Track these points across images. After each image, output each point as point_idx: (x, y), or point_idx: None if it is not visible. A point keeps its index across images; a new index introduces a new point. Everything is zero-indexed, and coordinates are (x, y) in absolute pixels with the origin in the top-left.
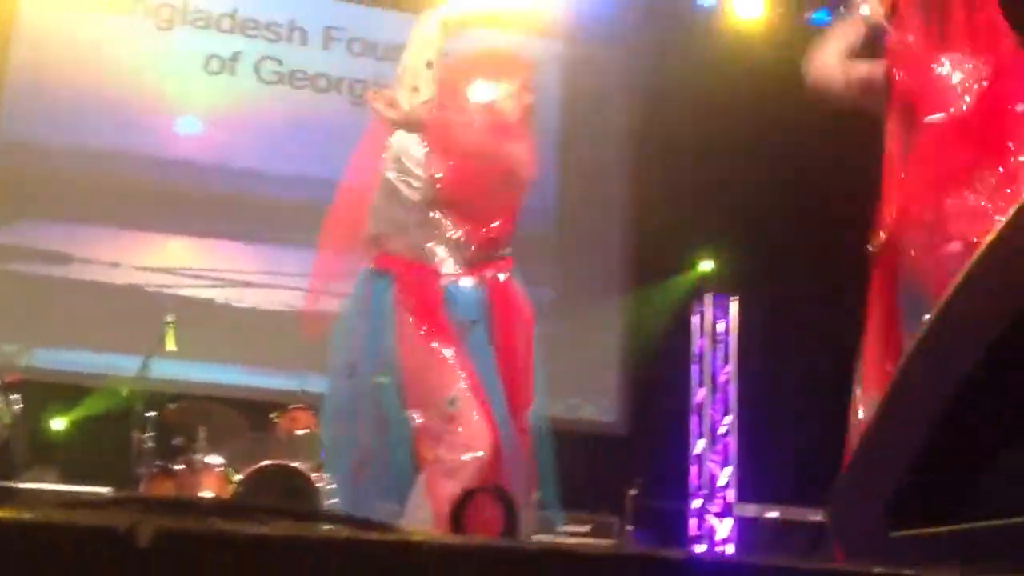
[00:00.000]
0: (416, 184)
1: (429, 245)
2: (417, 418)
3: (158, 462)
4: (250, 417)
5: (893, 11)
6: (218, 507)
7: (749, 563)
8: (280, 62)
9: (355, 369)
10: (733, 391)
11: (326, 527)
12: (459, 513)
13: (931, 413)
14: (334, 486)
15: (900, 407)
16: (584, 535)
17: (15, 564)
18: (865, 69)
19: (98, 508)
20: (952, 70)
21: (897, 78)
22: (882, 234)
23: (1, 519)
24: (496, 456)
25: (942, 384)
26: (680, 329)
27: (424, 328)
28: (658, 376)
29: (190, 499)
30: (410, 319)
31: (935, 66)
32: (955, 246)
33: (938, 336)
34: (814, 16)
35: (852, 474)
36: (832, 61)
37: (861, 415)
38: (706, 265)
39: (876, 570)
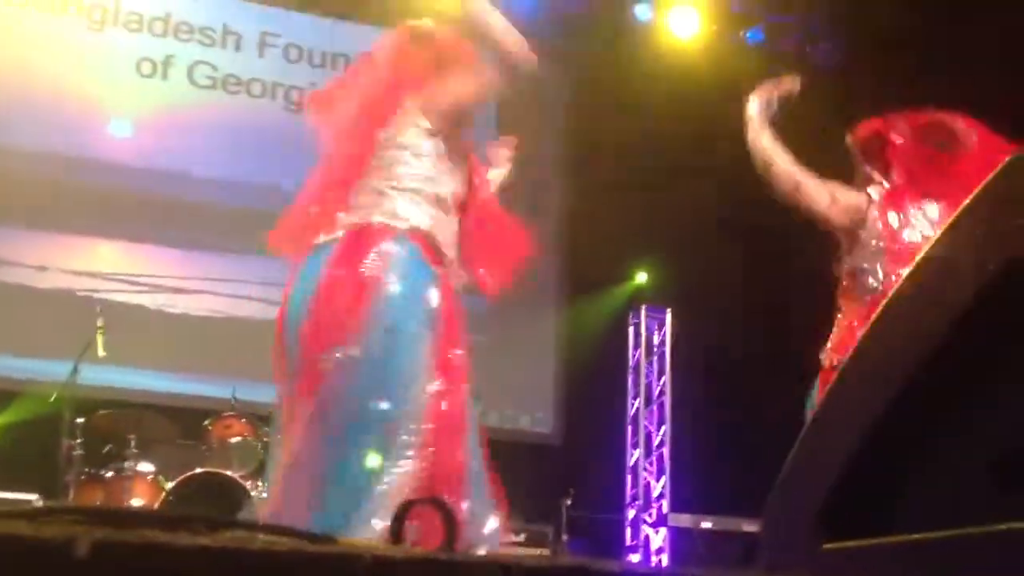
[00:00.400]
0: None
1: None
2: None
3: (87, 469)
4: (182, 424)
5: (884, 158)
6: (156, 518)
7: (682, 574)
8: (214, 67)
9: (395, 326)
10: (668, 402)
11: (265, 538)
12: (398, 525)
13: (862, 425)
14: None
15: (832, 420)
16: (519, 544)
17: None
18: (854, 199)
19: (32, 519)
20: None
21: (879, 224)
22: (825, 360)
23: None
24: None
25: (873, 397)
26: (615, 340)
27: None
28: (594, 387)
29: (126, 510)
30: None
31: (912, 217)
32: None
33: (870, 351)
34: (748, 35)
35: (783, 486)
36: (783, 164)
37: None
38: (641, 277)
39: None
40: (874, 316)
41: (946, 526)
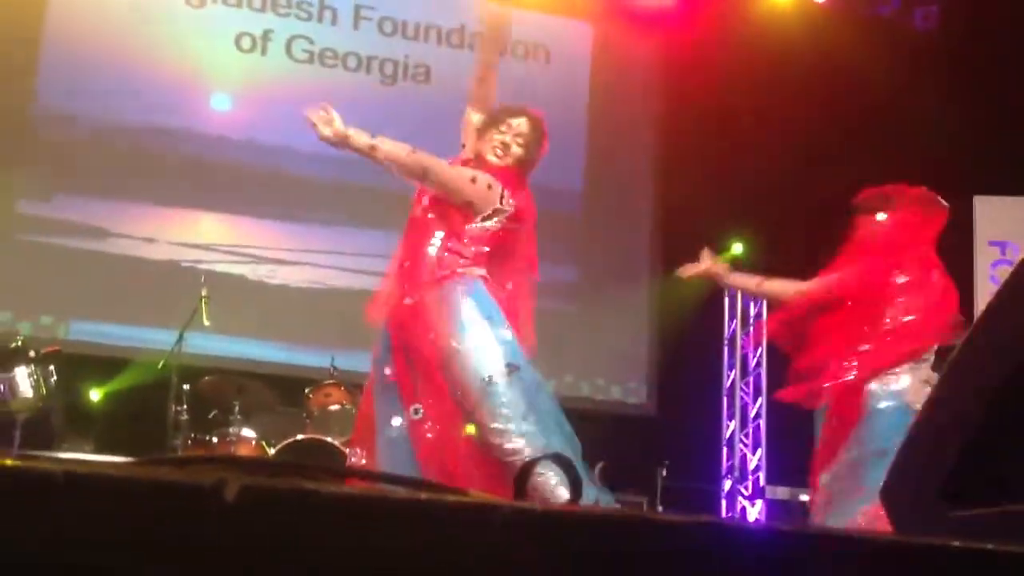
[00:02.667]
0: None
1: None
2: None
3: (193, 434)
4: (282, 392)
5: None
6: (301, 468)
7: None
8: (311, 41)
9: (514, 368)
10: (764, 374)
11: (405, 489)
12: (522, 481)
13: (989, 390)
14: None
15: (957, 384)
16: None
17: (101, 518)
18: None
19: (181, 466)
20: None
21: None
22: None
23: (88, 474)
24: None
25: (1000, 361)
26: (711, 312)
27: None
28: (689, 358)
29: (269, 459)
30: None
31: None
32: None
33: (999, 314)
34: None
35: (906, 453)
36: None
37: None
38: (737, 248)
39: (954, 543)
40: (1005, 280)
41: None
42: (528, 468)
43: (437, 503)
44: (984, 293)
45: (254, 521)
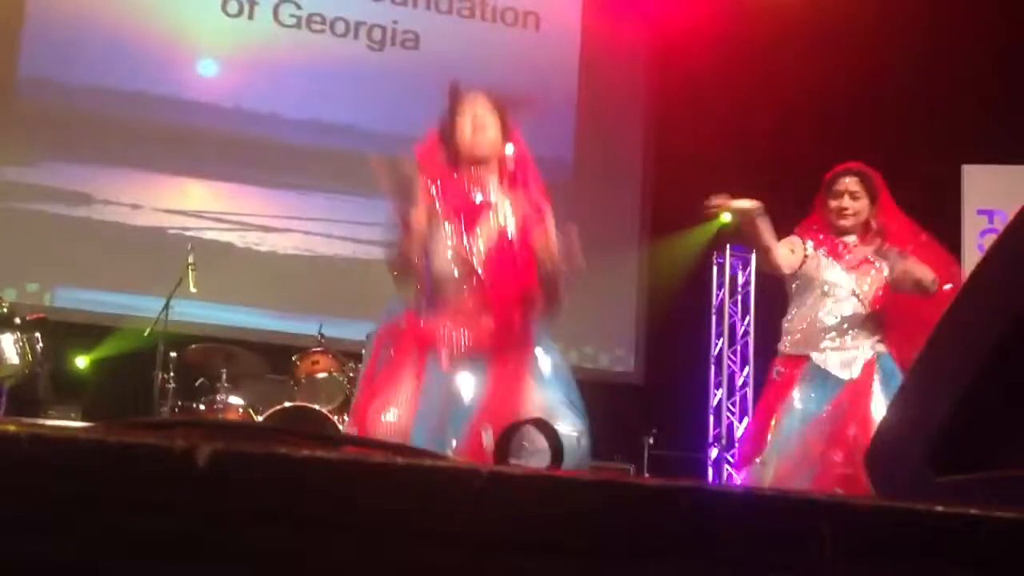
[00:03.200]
0: None
1: None
2: None
3: (180, 402)
4: (270, 360)
5: None
6: (274, 432)
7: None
8: (298, 6)
9: None
10: (751, 343)
11: (383, 452)
12: (505, 444)
13: (977, 354)
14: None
15: (944, 349)
16: None
17: (74, 480)
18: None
19: (159, 429)
20: None
21: None
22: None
23: (60, 436)
24: None
25: (988, 325)
26: (699, 280)
27: None
28: (676, 327)
29: (249, 423)
30: None
31: None
32: None
33: (986, 278)
34: None
35: (891, 419)
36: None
37: None
38: (726, 216)
39: (937, 508)
40: (997, 240)
41: None
42: (510, 433)
43: (415, 467)
44: (972, 261)
45: (226, 485)
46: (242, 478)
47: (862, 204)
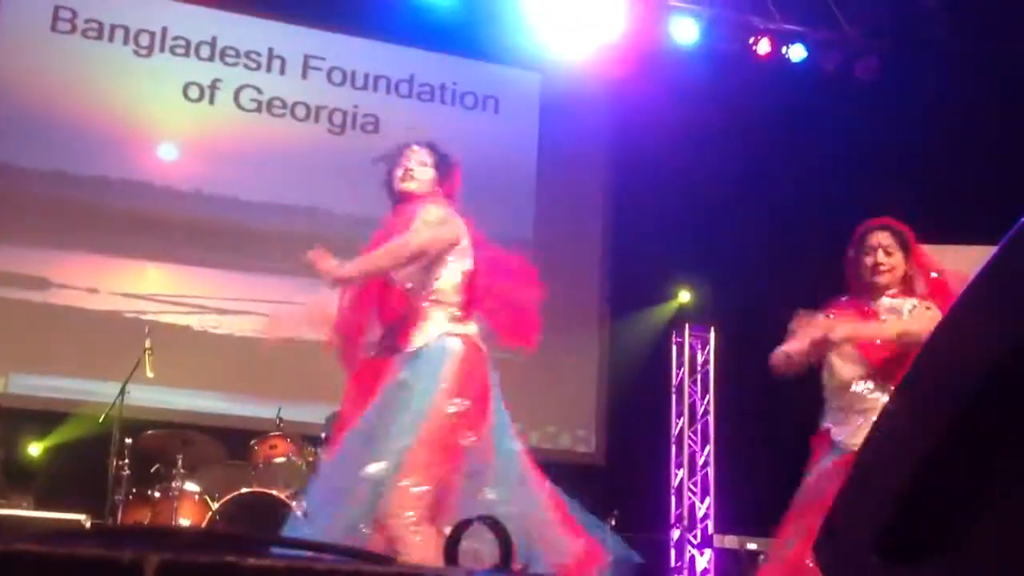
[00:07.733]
0: None
1: None
2: None
3: (135, 489)
4: (228, 444)
5: None
6: (223, 539)
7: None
8: (259, 90)
9: None
10: (712, 422)
11: (331, 558)
12: (453, 545)
13: (922, 445)
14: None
15: (890, 437)
16: None
17: None
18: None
19: (101, 538)
20: None
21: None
22: None
23: (7, 551)
24: None
25: (934, 416)
26: (659, 359)
27: None
28: (637, 406)
29: (197, 531)
30: None
31: None
32: None
33: (930, 366)
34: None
35: (839, 506)
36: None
37: None
38: (684, 296)
39: None
40: (935, 328)
41: (1009, 554)
42: (458, 531)
43: (361, 572)
44: None
45: None
46: None
47: (897, 259)
